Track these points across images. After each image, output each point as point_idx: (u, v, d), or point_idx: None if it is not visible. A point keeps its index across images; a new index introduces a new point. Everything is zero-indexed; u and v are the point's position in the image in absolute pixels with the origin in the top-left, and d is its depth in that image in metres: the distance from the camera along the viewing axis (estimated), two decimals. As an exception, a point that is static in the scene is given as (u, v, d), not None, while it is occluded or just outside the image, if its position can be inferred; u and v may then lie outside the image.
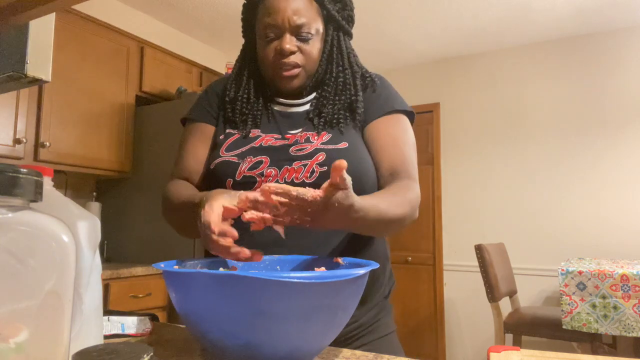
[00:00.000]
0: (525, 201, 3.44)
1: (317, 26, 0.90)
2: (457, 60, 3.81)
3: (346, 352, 0.66)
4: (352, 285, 0.54)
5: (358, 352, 0.66)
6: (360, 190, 0.78)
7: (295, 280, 0.47)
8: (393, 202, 0.77)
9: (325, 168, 0.81)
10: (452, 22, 3.22)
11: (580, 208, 3.28)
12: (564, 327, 2.24)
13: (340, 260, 0.70)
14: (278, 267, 0.74)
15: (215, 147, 0.91)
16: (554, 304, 3.26)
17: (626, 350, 2.33)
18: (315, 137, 0.86)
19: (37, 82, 0.63)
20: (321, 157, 0.82)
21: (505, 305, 2.94)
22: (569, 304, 2.24)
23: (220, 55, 3.72)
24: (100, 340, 0.55)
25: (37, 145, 2.31)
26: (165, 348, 0.68)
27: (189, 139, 0.95)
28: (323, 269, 0.71)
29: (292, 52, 0.87)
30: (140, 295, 2.31)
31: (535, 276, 3.35)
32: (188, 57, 3.19)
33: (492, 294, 2.66)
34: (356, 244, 0.85)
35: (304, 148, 0.84)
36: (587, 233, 3.24)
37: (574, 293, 2.24)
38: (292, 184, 0.80)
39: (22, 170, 0.31)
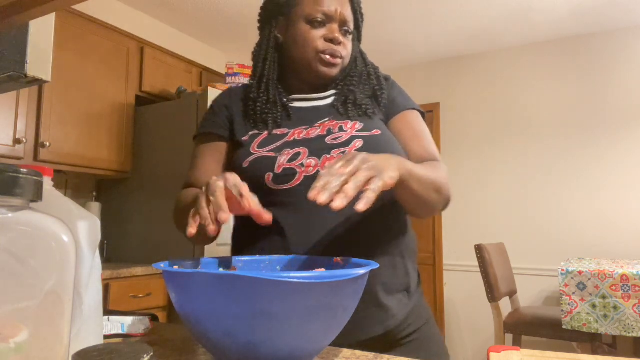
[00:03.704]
0: (525, 201, 3.44)
1: (353, 24, 0.95)
2: (457, 60, 3.81)
3: (346, 352, 0.66)
4: (352, 285, 0.54)
5: (358, 352, 0.66)
6: None
7: (295, 280, 0.47)
8: (434, 170, 0.82)
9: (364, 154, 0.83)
10: (452, 23, 3.22)
11: (580, 208, 3.28)
12: (564, 327, 2.25)
13: (340, 260, 0.70)
14: (278, 267, 0.74)
15: (239, 148, 0.90)
16: (554, 304, 3.26)
17: (626, 350, 2.33)
18: (348, 125, 0.87)
19: (37, 82, 0.63)
20: (358, 143, 0.84)
21: (505, 305, 2.94)
22: (569, 304, 2.24)
23: (220, 55, 3.72)
24: (100, 340, 0.55)
25: (37, 145, 2.31)
26: (165, 348, 0.68)
27: (199, 155, 0.96)
28: (323, 269, 0.71)
29: (341, 43, 0.91)
30: (140, 295, 2.31)
31: (535, 276, 3.35)
32: (188, 57, 3.19)
33: (492, 294, 2.66)
34: (394, 241, 0.86)
35: (340, 136, 0.86)
36: (587, 233, 3.24)
37: (574, 293, 2.24)
38: None
39: (22, 170, 0.31)
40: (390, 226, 0.86)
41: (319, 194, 0.59)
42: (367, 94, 0.94)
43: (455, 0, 2.91)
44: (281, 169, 0.82)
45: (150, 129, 2.74)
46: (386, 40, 3.51)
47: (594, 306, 2.19)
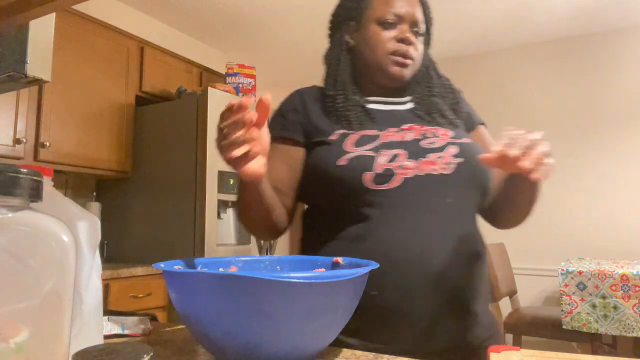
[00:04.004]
0: (525, 201, 3.44)
1: (424, 27, 0.95)
2: (457, 60, 3.81)
3: (346, 352, 0.66)
4: (352, 285, 0.54)
5: (358, 352, 0.66)
6: (486, 183, 0.87)
7: (295, 280, 0.47)
8: None
9: (461, 159, 0.83)
10: (453, 23, 3.22)
11: (580, 208, 3.28)
12: (564, 327, 2.24)
13: (340, 260, 0.70)
14: (278, 267, 0.74)
15: (322, 147, 0.87)
16: (554, 304, 3.26)
17: (626, 350, 2.33)
18: (440, 132, 0.88)
19: (37, 82, 0.63)
20: (453, 149, 0.85)
21: (505, 305, 2.94)
22: (569, 304, 2.24)
23: (220, 55, 3.72)
24: (100, 340, 0.55)
25: (37, 145, 2.31)
26: (165, 348, 0.68)
27: (267, 158, 0.96)
28: (323, 269, 0.71)
29: (412, 43, 0.91)
30: (140, 295, 2.31)
31: (535, 276, 3.35)
32: (188, 57, 3.19)
33: (492, 294, 2.66)
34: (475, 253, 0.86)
35: (434, 141, 0.86)
36: (587, 233, 3.24)
37: (574, 293, 2.24)
38: (431, 176, 0.81)
39: (22, 170, 0.31)
40: (475, 234, 0.86)
41: (519, 156, 0.65)
42: (449, 106, 0.95)
43: (455, 0, 2.91)
44: (382, 169, 0.81)
45: (150, 129, 2.74)
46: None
47: (594, 306, 2.19)
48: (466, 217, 0.85)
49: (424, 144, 0.85)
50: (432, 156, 0.83)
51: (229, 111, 0.67)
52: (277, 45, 3.59)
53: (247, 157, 0.68)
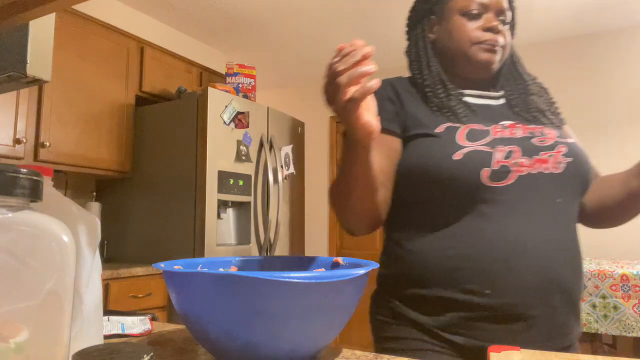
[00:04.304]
0: (525, 201, 3.44)
1: (509, 15, 0.92)
2: (457, 60, 3.80)
3: (346, 351, 0.66)
4: (352, 285, 0.54)
5: (358, 352, 0.66)
6: (589, 183, 0.85)
7: (295, 280, 0.47)
8: None
9: (570, 159, 0.82)
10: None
11: (580, 208, 3.27)
12: (564, 327, 2.24)
13: (340, 260, 0.70)
14: (278, 267, 0.74)
15: (424, 140, 0.84)
16: (554, 304, 3.25)
17: (626, 350, 2.33)
18: (546, 130, 0.86)
19: (37, 82, 0.63)
20: (563, 149, 0.83)
21: (505, 305, 2.94)
22: (569, 304, 2.23)
23: (220, 55, 3.72)
24: (100, 340, 0.55)
25: (37, 145, 2.31)
26: (165, 348, 0.68)
27: None
28: (323, 269, 0.71)
29: (499, 32, 0.88)
30: (140, 295, 2.31)
31: (535, 276, 3.34)
32: (188, 57, 3.19)
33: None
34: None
35: (544, 140, 0.84)
36: (588, 233, 3.24)
37: (574, 293, 2.24)
38: (542, 174, 0.80)
39: (22, 170, 0.31)
40: (577, 234, 0.85)
41: None
42: (546, 105, 0.92)
43: (455, 0, 2.91)
44: (499, 166, 0.78)
45: (150, 129, 2.74)
46: (388, 40, 3.51)
47: (594, 306, 2.19)
48: (571, 216, 0.83)
49: (535, 141, 0.83)
50: (544, 154, 0.81)
51: (340, 54, 0.62)
52: (277, 45, 3.59)
53: (360, 101, 0.61)
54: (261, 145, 2.81)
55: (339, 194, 0.80)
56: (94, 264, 0.54)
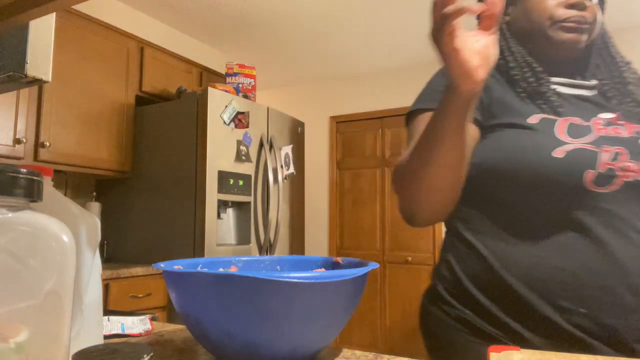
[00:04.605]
0: (525, 201, 3.43)
1: None
2: (457, 60, 3.80)
3: (346, 351, 0.66)
4: (352, 285, 0.54)
5: (358, 352, 0.66)
6: None
7: (295, 280, 0.47)
8: None
9: None
10: (452, 22, 3.22)
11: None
12: (564, 327, 2.24)
13: (340, 260, 0.70)
14: (278, 267, 0.74)
15: (521, 130, 0.74)
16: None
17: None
18: None
19: (37, 82, 0.63)
20: None
21: (505, 305, 2.93)
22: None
23: (220, 55, 3.72)
24: (100, 340, 0.55)
25: (37, 145, 2.31)
26: (165, 348, 0.68)
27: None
28: (323, 269, 0.71)
29: (586, 7, 0.77)
30: (140, 295, 2.31)
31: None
32: (188, 57, 3.19)
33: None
34: None
35: None
36: None
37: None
38: None
39: (22, 170, 0.31)
40: None
41: None
42: None
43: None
44: (606, 168, 0.69)
45: (150, 129, 2.74)
46: (387, 39, 3.51)
47: (594, 306, 2.19)
48: None
49: None
50: None
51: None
52: (277, 45, 3.59)
53: (454, 18, 0.55)
54: (261, 145, 2.81)
55: (419, 163, 0.70)
56: (94, 264, 0.54)
